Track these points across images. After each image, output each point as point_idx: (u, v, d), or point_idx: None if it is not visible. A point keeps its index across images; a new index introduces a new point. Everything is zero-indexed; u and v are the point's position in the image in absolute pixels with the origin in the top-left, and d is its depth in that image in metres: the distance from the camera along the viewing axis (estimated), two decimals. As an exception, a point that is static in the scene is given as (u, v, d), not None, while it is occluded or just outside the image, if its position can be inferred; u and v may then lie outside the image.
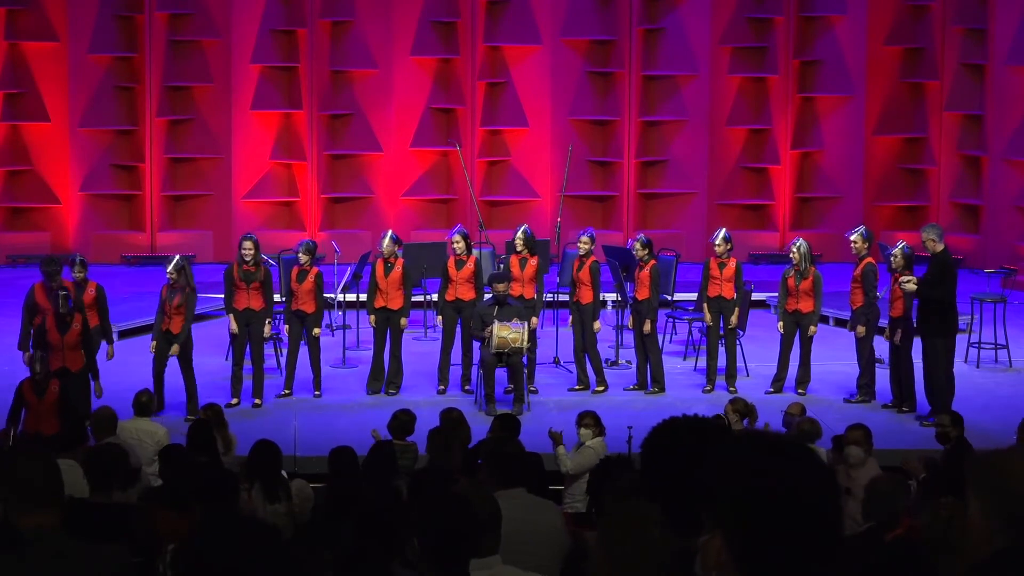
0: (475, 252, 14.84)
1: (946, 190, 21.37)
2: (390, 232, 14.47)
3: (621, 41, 21.18)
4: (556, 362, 15.15)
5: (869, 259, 13.82)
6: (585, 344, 14.17)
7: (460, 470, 8.98)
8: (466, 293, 14.24)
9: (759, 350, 15.09)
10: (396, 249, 14.24)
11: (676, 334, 16.25)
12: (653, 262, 14.16)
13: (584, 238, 14.24)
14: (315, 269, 14.03)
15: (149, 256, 20.72)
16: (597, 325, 14.12)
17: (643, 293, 14.03)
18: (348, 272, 15.94)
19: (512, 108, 21.10)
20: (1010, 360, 15.41)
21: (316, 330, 14.00)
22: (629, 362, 15.18)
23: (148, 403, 11.28)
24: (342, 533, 5.02)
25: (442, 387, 14.18)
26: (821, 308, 14.16)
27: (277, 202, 21.19)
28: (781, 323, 14.14)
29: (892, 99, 21.41)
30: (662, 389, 14.11)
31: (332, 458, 9.14)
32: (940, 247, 13.26)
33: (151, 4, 20.62)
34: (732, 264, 14.10)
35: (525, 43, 20.99)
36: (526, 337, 13.52)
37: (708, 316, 14.23)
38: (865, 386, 13.88)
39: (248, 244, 13.83)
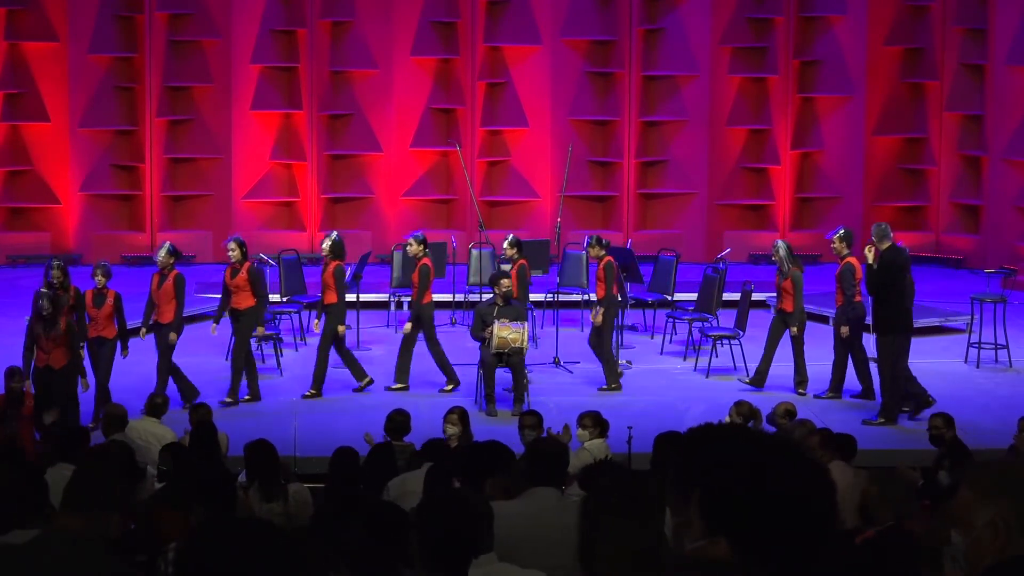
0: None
1: (946, 190, 21.37)
2: (167, 244, 13.74)
3: (621, 41, 21.19)
4: (556, 362, 15.15)
5: (849, 259, 13.79)
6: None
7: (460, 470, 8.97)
8: (242, 301, 13.65)
9: (759, 350, 15.06)
10: (171, 261, 13.51)
11: (676, 334, 16.26)
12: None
13: (411, 240, 14.43)
14: (112, 292, 13.08)
15: (149, 256, 20.69)
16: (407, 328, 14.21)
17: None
18: (348, 272, 15.93)
19: (512, 108, 21.10)
20: (1010, 360, 15.40)
21: (124, 351, 13.06)
22: (629, 362, 15.19)
23: (161, 405, 11.27)
24: (345, 534, 5.02)
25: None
26: (801, 307, 14.10)
27: (277, 202, 21.19)
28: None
29: (892, 99, 21.41)
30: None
31: (334, 459, 9.14)
32: (885, 245, 13.23)
33: (151, 4, 20.63)
34: (602, 264, 14.33)
35: (525, 43, 20.99)
36: (526, 337, 13.53)
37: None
38: (854, 385, 13.97)
39: (56, 273, 12.63)
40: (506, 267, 15.47)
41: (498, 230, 19.55)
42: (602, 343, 14.20)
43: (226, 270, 13.85)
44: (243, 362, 13.67)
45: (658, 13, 21.11)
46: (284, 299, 16.44)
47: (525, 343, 13.53)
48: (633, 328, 16.71)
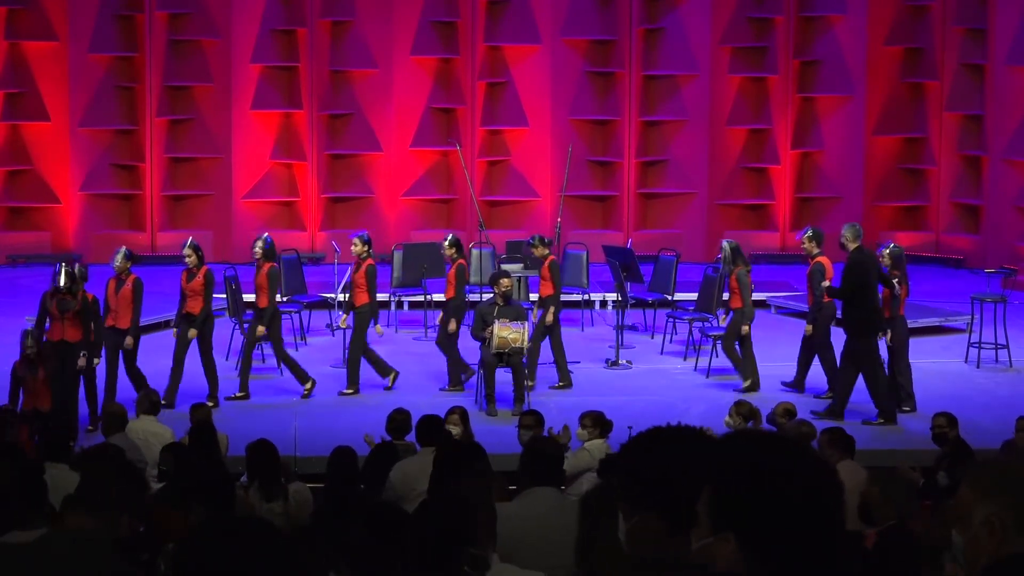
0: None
1: (946, 190, 21.37)
2: (124, 248, 13.57)
3: (621, 41, 21.19)
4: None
5: (820, 259, 13.76)
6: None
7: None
8: (196, 306, 13.63)
9: (759, 351, 15.04)
10: (128, 266, 13.33)
11: (676, 334, 16.25)
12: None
13: (356, 239, 14.42)
14: (89, 295, 12.90)
15: (149, 256, 20.70)
16: (379, 329, 14.28)
17: (450, 292, 14.37)
18: (348, 272, 15.93)
19: (512, 108, 21.10)
20: (1010, 360, 15.39)
21: (95, 359, 12.92)
22: (629, 362, 15.19)
23: (158, 403, 11.27)
24: (345, 534, 5.03)
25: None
26: (750, 305, 14.09)
27: (277, 202, 21.19)
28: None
29: (892, 99, 21.41)
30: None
31: (332, 459, 9.14)
32: (853, 246, 13.16)
33: (151, 4, 20.63)
34: (547, 263, 14.37)
35: (525, 43, 20.99)
36: (526, 337, 13.53)
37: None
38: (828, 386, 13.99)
39: (64, 279, 12.60)
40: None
41: (498, 230, 19.57)
42: (533, 345, 14.10)
43: (182, 274, 13.87)
44: (214, 363, 13.76)
45: (658, 13, 21.10)
46: (284, 299, 16.43)
47: (525, 343, 13.53)
48: (633, 328, 16.70)
